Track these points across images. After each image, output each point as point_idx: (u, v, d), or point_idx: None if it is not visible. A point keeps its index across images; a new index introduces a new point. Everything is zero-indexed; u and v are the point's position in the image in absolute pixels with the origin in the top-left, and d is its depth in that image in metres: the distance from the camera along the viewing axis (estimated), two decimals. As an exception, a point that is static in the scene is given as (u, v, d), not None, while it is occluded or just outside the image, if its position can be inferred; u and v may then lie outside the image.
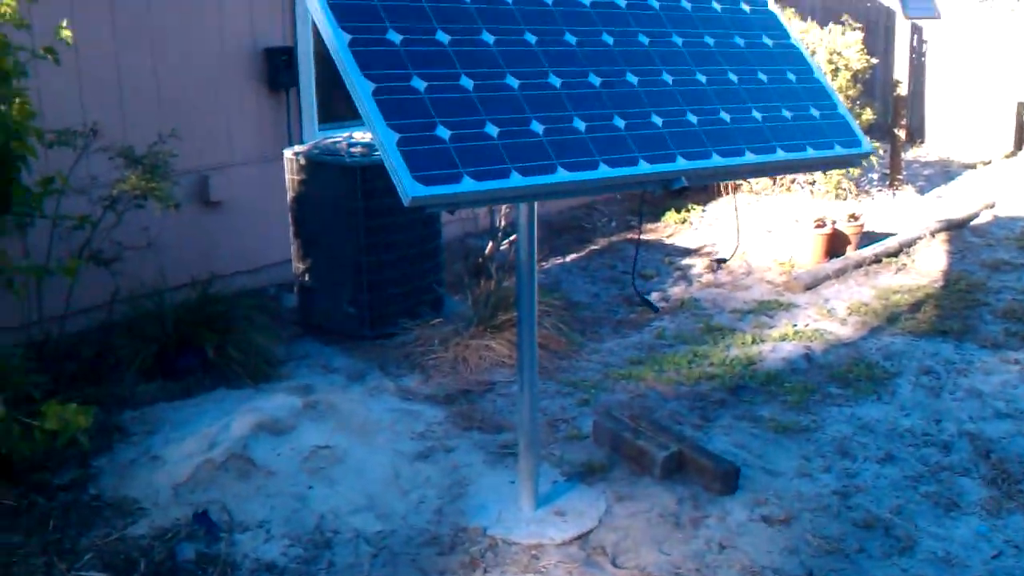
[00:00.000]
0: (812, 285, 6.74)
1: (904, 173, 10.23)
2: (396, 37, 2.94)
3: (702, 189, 8.97)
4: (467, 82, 2.97)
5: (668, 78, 3.45)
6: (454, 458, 4.23)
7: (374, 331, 5.54)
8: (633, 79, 3.35)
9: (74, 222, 4.58)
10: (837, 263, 7.07)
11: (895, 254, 7.47)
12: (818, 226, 7.22)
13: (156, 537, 3.61)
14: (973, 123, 12.49)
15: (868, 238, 7.57)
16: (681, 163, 3.23)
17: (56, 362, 4.68)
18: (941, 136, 12.88)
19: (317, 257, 5.65)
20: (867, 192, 9.51)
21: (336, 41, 2.82)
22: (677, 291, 6.68)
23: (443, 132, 2.81)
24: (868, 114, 9.26)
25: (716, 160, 3.32)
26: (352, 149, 5.54)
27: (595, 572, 3.45)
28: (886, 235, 7.78)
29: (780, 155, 3.50)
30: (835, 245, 7.29)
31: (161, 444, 4.21)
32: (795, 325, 5.97)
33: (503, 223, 6.47)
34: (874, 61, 9.56)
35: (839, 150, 3.71)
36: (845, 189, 9.06)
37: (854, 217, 7.50)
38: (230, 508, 3.78)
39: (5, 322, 4.74)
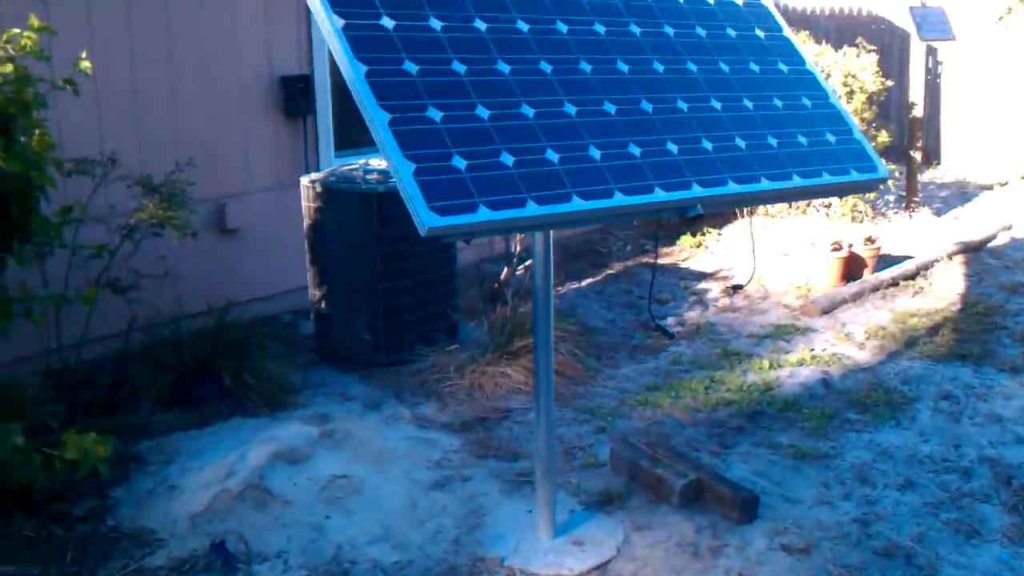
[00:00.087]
0: (829, 309, 6.71)
1: (920, 195, 10.19)
2: (412, 67, 2.95)
3: (717, 213, 8.96)
4: (483, 112, 2.98)
5: (683, 105, 3.45)
6: (471, 487, 4.21)
7: (389, 358, 5.54)
8: (648, 107, 3.35)
9: (92, 251, 4.61)
10: (854, 286, 7.04)
11: (912, 277, 7.44)
12: (835, 249, 7.19)
13: (174, 568, 3.59)
14: (989, 144, 12.45)
15: (885, 261, 7.54)
16: (696, 190, 3.22)
17: (73, 391, 4.69)
18: (957, 157, 12.84)
19: (333, 284, 5.66)
20: (883, 214, 9.47)
21: (352, 72, 2.84)
22: (693, 316, 6.66)
23: (459, 162, 2.81)
24: (884, 136, 9.25)
25: (732, 187, 3.31)
26: (368, 176, 5.56)
27: (613, 602, 3.43)
28: (903, 258, 7.74)
29: (796, 181, 3.49)
30: (852, 268, 7.26)
31: (178, 474, 4.21)
32: (812, 350, 5.94)
33: (518, 248, 6.48)
34: (889, 83, 9.55)
35: (855, 175, 3.69)
36: (861, 212, 9.03)
37: (870, 240, 7.47)
38: (247, 538, 3.77)
39: (23, 351, 4.76)
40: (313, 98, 6.49)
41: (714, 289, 7.26)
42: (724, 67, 3.69)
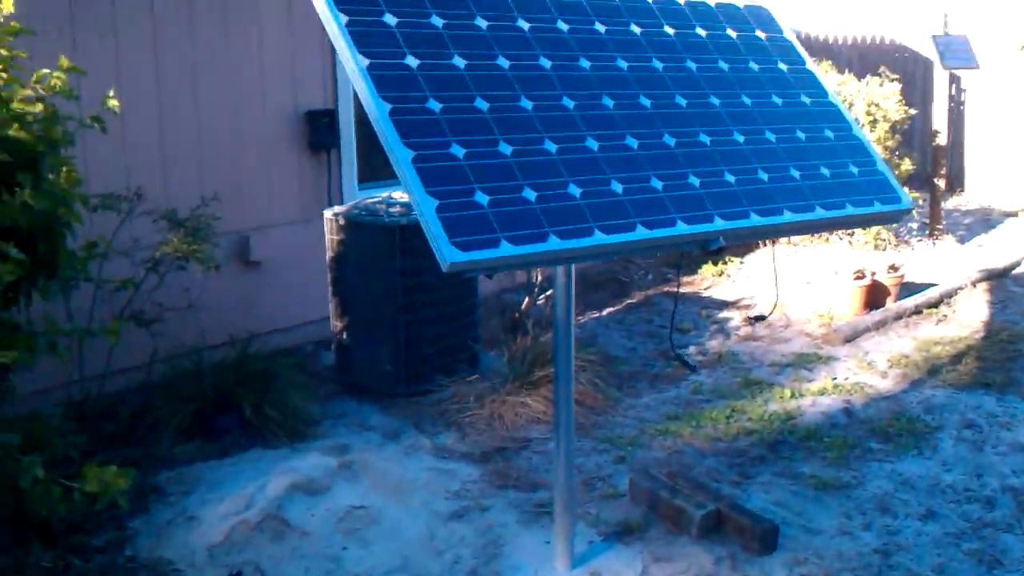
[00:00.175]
0: (852, 337, 6.67)
1: (944, 222, 10.15)
2: (436, 105, 2.97)
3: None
4: (505, 148, 2.99)
5: (705, 139, 3.46)
6: (489, 517, 4.20)
7: (410, 388, 5.54)
8: (671, 141, 3.36)
9: (117, 284, 4.64)
10: (877, 315, 7.00)
11: (936, 305, 7.39)
12: (857, 278, 7.16)
13: (194, 600, 3.60)
14: (1013, 171, 12.39)
15: (908, 289, 7.50)
16: (719, 223, 3.22)
17: (94, 422, 4.71)
18: (981, 185, 12.78)
19: (355, 315, 5.68)
20: (907, 242, 9.43)
21: (376, 110, 2.86)
22: (715, 344, 6.63)
23: (481, 198, 2.83)
24: (907, 164, 9.22)
25: (754, 219, 3.31)
26: (391, 209, 5.59)
27: (636, 638, 3.40)
28: (926, 285, 7.70)
29: (819, 213, 3.49)
30: (874, 296, 7.22)
31: (197, 505, 4.22)
32: (835, 378, 5.90)
33: (539, 278, 6.48)
34: (912, 112, 9.54)
35: (879, 207, 3.69)
36: (884, 239, 9.00)
37: (894, 268, 7.43)
38: (265, 569, 3.77)
39: (46, 383, 4.79)
40: (337, 132, 6.53)
41: (736, 318, 7.23)
42: (747, 100, 3.70)
